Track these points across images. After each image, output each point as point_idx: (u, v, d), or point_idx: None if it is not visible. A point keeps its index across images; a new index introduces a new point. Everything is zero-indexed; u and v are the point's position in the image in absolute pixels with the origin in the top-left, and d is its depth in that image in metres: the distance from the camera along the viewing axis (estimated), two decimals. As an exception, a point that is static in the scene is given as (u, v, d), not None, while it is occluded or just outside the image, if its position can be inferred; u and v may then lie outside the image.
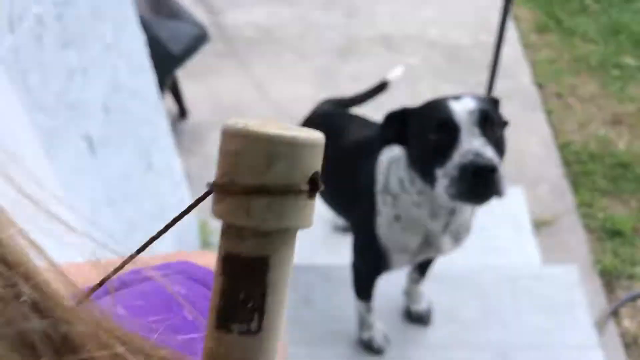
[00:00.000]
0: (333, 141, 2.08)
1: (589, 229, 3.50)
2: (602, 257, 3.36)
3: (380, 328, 2.18)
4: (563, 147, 4.01)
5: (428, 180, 1.57)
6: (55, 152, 1.43)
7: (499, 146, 1.52)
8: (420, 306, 2.23)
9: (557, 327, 2.06)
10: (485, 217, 2.86)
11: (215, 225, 3.49)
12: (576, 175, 3.82)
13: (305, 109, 4.44)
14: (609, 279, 3.29)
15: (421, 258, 1.90)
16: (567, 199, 3.68)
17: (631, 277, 3.27)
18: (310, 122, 2.36)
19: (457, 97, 1.52)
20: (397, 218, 1.73)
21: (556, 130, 4.14)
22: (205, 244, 3.27)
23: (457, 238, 1.81)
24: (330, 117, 2.31)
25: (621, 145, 3.98)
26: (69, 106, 1.51)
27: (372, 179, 1.79)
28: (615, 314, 3.14)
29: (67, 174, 1.51)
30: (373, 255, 1.83)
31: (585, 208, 3.60)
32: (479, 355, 2.04)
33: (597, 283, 3.29)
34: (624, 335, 3.07)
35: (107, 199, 1.83)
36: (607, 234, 3.47)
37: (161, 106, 2.50)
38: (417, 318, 2.22)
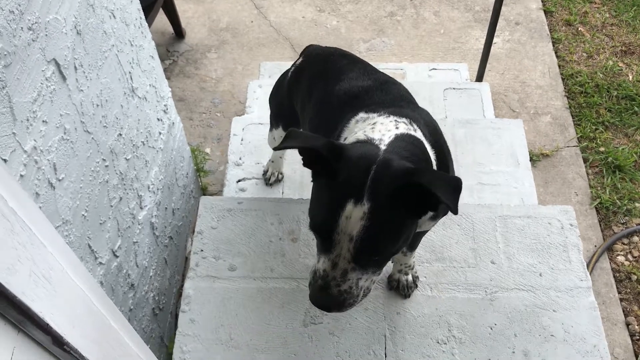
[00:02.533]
0: (328, 81, 1.94)
1: (589, 162, 3.44)
2: (600, 192, 3.31)
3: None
4: (568, 78, 3.88)
5: None
6: (15, 81, 1.36)
7: (378, 265, 1.41)
8: (402, 277, 2.08)
9: (549, 269, 2.02)
10: (482, 151, 2.81)
11: (209, 152, 3.44)
12: (580, 107, 3.71)
13: (304, 31, 4.34)
14: (605, 214, 3.25)
15: None
16: (569, 132, 3.60)
17: (629, 212, 3.23)
18: (310, 56, 2.19)
19: (363, 194, 1.28)
20: None
21: (563, 60, 4.00)
22: (198, 170, 3.22)
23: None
24: (331, 55, 2.11)
25: (630, 76, 3.84)
26: (29, 29, 1.42)
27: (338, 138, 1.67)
28: (609, 249, 3.12)
29: (30, 103, 1.44)
30: None
31: (587, 141, 3.52)
32: (467, 295, 2.03)
33: (593, 218, 3.26)
34: (617, 271, 3.06)
35: (81, 126, 1.76)
36: (607, 168, 3.40)
37: (145, 27, 2.38)
38: (395, 286, 2.09)
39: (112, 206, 2.02)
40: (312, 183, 1.47)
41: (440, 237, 2.08)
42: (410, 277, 2.03)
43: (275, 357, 1.90)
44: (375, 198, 1.26)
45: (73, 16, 1.70)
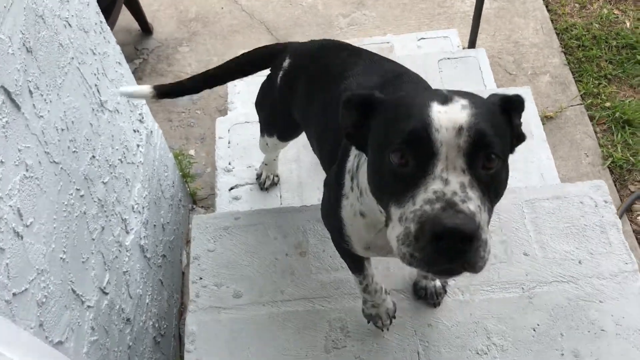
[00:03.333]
0: (330, 81, 1.59)
1: (596, 120, 3.25)
2: (612, 150, 3.13)
3: (386, 308, 1.81)
4: (563, 32, 3.67)
5: (384, 211, 1.10)
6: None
7: (493, 187, 1.01)
8: (429, 283, 1.84)
9: (589, 255, 1.82)
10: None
11: (193, 154, 3.20)
12: (579, 62, 3.51)
13: (279, 12, 4.07)
14: (620, 173, 3.08)
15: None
16: (571, 90, 3.40)
17: (644, 169, 3.06)
18: (299, 55, 1.89)
19: (447, 96, 1.02)
20: (361, 214, 1.33)
21: (555, 14, 3.78)
22: (184, 176, 2.99)
23: None
24: (324, 50, 1.82)
25: (628, 23, 3.64)
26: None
27: (346, 152, 1.39)
28: (628, 210, 2.96)
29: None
30: (338, 237, 1.47)
31: (591, 98, 3.33)
32: (503, 294, 1.82)
33: (608, 178, 3.08)
34: (638, 232, 2.90)
35: (46, 157, 1.52)
36: (616, 124, 3.22)
37: (107, 31, 2.12)
38: (423, 295, 1.85)
39: (94, 239, 1.79)
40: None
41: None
42: (438, 283, 1.82)
43: (298, 390, 1.70)
44: (466, 95, 1.03)
45: (20, 32, 1.45)
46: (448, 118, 0.96)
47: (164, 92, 1.97)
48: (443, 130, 0.95)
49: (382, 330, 1.83)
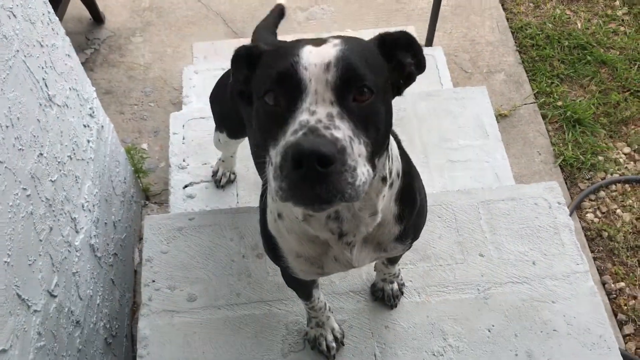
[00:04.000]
0: None
1: (548, 119, 3.31)
2: (563, 148, 3.19)
3: (332, 327, 1.80)
4: (518, 31, 3.72)
5: (262, 167, 1.12)
6: None
7: (370, 121, 1.01)
8: (387, 285, 1.83)
9: (542, 256, 1.86)
10: (447, 125, 2.61)
11: (146, 148, 3.12)
12: (533, 61, 3.57)
13: (236, 3, 3.98)
14: (570, 171, 3.15)
15: (335, 272, 1.42)
16: (525, 88, 3.46)
17: (593, 167, 3.13)
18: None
19: (324, 40, 1.04)
20: (280, 216, 1.30)
21: (510, 13, 3.83)
22: (137, 171, 2.91)
23: (381, 247, 1.33)
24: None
25: (579, 24, 3.71)
26: None
27: (262, 164, 1.34)
28: (578, 208, 3.03)
29: None
30: (271, 251, 1.43)
31: (544, 97, 3.39)
32: (459, 295, 1.84)
33: (559, 176, 3.15)
34: (587, 229, 2.97)
35: (-11, 158, 1.44)
36: (567, 123, 3.28)
37: (55, 22, 2.03)
38: (380, 297, 1.85)
39: (41, 240, 1.72)
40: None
41: (422, 232, 1.87)
42: (395, 286, 1.82)
43: (254, 395, 1.67)
44: (342, 43, 1.02)
45: (-43, 24, 1.36)
46: (316, 55, 0.98)
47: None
48: (312, 67, 0.97)
49: (328, 358, 1.78)
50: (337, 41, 1.01)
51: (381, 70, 1.07)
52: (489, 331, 1.77)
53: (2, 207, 1.50)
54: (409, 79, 1.15)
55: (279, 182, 0.94)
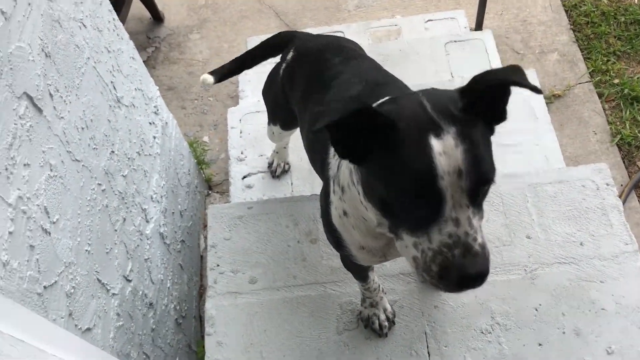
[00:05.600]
0: (320, 90, 1.64)
1: (604, 97, 3.27)
2: (620, 127, 3.15)
3: (384, 307, 1.89)
4: (572, 9, 3.66)
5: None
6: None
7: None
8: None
9: (590, 237, 1.90)
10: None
11: (207, 141, 3.28)
12: (588, 39, 3.51)
13: (294, 2, 4.09)
14: (628, 150, 3.11)
15: (395, 258, 1.55)
16: (579, 67, 3.41)
17: (653, 145, 3.08)
18: (301, 52, 1.92)
19: (435, 121, 1.05)
20: (345, 213, 1.39)
21: (564, -10, 3.77)
22: (199, 163, 3.07)
23: None
24: (324, 52, 1.82)
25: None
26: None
27: (326, 161, 1.45)
28: (637, 187, 2.99)
29: (7, 150, 1.28)
30: (334, 242, 1.54)
31: (599, 75, 3.34)
32: (507, 276, 1.90)
33: (616, 156, 3.11)
34: (646, 209, 2.94)
35: (68, 156, 1.60)
36: (625, 101, 3.23)
37: (120, 28, 2.19)
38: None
39: (116, 230, 1.89)
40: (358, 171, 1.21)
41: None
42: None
43: (312, 371, 1.80)
44: (453, 119, 1.04)
45: (39, 38, 1.52)
46: (447, 160, 1.02)
47: (219, 77, 2.19)
48: (447, 175, 1.02)
49: (381, 336, 1.88)
50: (454, 132, 1.03)
51: (490, 142, 1.12)
52: (536, 310, 1.83)
53: (82, 202, 1.66)
54: (500, 120, 1.16)
55: (435, 282, 1.10)
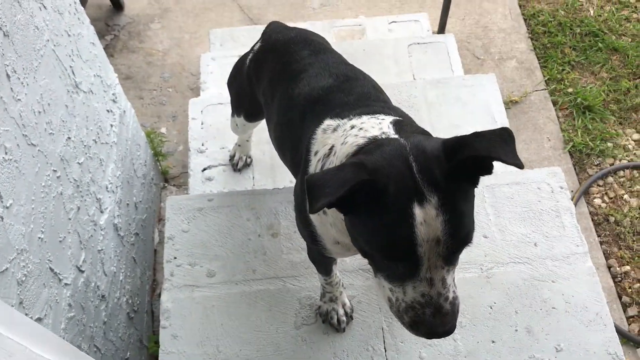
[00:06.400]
0: (289, 82, 1.64)
1: (558, 105, 3.37)
2: (572, 134, 3.25)
3: (343, 302, 1.90)
4: (530, 18, 3.76)
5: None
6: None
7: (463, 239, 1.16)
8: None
9: (544, 238, 1.96)
10: (456, 112, 2.68)
11: (165, 132, 3.23)
12: (545, 48, 3.61)
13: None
14: (579, 157, 3.21)
15: None
16: (536, 75, 3.51)
17: (602, 153, 3.19)
18: (269, 42, 1.91)
19: (420, 189, 1.09)
20: (324, 212, 1.41)
21: (523, 0, 3.87)
22: (156, 155, 3.02)
23: None
24: (291, 44, 1.82)
25: (592, 11, 3.74)
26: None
27: (308, 157, 1.46)
28: (586, 193, 3.09)
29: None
30: (308, 236, 1.55)
31: (554, 84, 3.44)
32: (463, 274, 1.89)
33: (568, 162, 3.21)
34: (594, 214, 3.04)
35: (24, 140, 1.55)
36: (577, 109, 3.34)
37: (81, 12, 2.13)
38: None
39: (70, 219, 1.84)
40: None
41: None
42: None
43: (269, 365, 1.78)
44: (436, 186, 1.09)
45: (-6, 16, 1.47)
46: (428, 232, 1.08)
47: None
48: (425, 244, 1.09)
49: (338, 330, 1.89)
50: (436, 202, 1.08)
51: (472, 202, 1.19)
52: (491, 308, 1.87)
53: (36, 188, 1.61)
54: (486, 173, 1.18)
55: (406, 327, 1.21)
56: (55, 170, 1.75)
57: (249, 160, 2.58)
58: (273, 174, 2.54)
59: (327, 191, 1.06)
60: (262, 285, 1.92)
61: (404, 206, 1.08)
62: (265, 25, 2.08)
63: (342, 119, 1.41)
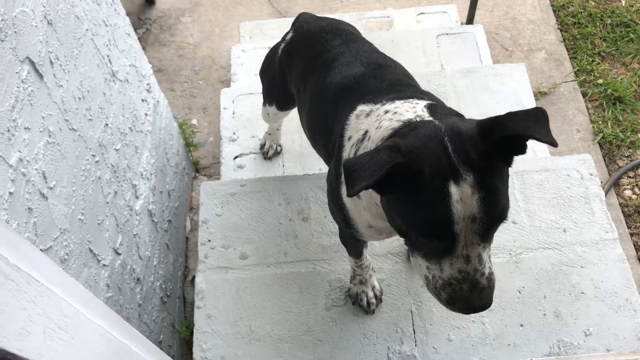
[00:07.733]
0: (321, 70, 1.69)
1: (588, 97, 3.34)
2: (602, 126, 3.23)
3: (372, 285, 1.93)
4: (560, 9, 3.74)
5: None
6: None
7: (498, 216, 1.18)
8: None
9: (573, 224, 1.96)
10: (485, 101, 2.69)
11: (196, 124, 3.29)
12: (574, 39, 3.59)
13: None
14: (609, 148, 3.18)
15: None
16: (565, 66, 3.49)
17: (632, 144, 3.16)
18: (301, 32, 1.95)
19: (457, 173, 1.12)
20: (358, 196, 1.44)
21: (552, -10, 3.84)
22: (188, 145, 3.08)
23: None
24: (323, 34, 1.85)
25: (623, 2, 3.71)
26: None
27: (341, 142, 1.49)
28: (616, 184, 3.07)
29: (9, 111, 1.29)
30: (341, 220, 1.58)
31: (584, 75, 3.42)
32: (492, 259, 1.88)
33: (597, 153, 3.19)
34: (624, 205, 3.01)
35: (65, 124, 1.61)
36: (607, 101, 3.31)
37: (117, 3, 2.20)
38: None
39: (108, 202, 1.90)
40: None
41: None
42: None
43: (299, 345, 1.82)
44: (471, 165, 1.11)
45: (41, 5, 1.53)
46: (463, 207, 1.11)
47: None
48: (461, 221, 1.12)
49: (368, 312, 1.93)
50: (472, 180, 1.11)
51: (507, 181, 1.21)
52: (519, 292, 1.88)
53: (77, 171, 1.68)
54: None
55: (443, 303, 1.25)
56: (94, 155, 1.81)
57: (279, 148, 2.63)
58: (302, 162, 2.58)
59: (364, 175, 1.09)
60: (294, 268, 1.96)
61: (439, 185, 1.11)
62: (294, 18, 2.12)
63: (376, 104, 1.44)
